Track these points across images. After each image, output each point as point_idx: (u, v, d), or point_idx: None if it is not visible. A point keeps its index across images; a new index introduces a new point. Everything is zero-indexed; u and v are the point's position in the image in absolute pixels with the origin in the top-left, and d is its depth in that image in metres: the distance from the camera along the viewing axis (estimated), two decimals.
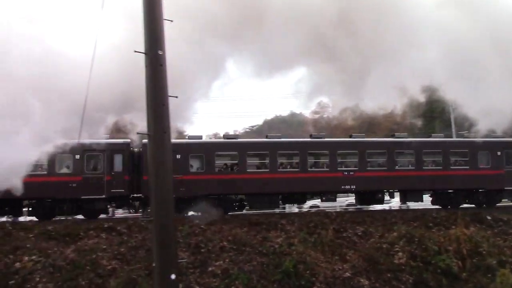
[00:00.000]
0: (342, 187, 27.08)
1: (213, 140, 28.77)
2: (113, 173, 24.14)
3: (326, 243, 21.21)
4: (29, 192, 21.17)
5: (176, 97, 9.06)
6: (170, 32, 9.06)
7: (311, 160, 27.45)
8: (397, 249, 20.99)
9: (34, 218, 24.16)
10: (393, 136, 30.48)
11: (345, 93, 25.86)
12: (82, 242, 19.68)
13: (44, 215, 23.61)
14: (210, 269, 19.11)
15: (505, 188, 29.02)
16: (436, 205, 29.37)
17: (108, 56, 15.98)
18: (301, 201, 29.72)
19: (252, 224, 22.33)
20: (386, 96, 25.93)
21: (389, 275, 19.96)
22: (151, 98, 8.63)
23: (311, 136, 29.28)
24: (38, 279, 17.86)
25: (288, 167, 26.97)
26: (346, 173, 26.98)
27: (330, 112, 62.76)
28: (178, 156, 24.24)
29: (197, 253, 19.71)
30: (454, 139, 31.60)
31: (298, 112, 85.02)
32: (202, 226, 21.33)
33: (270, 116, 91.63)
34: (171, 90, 8.75)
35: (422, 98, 30.64)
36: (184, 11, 18.48)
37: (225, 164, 26.51)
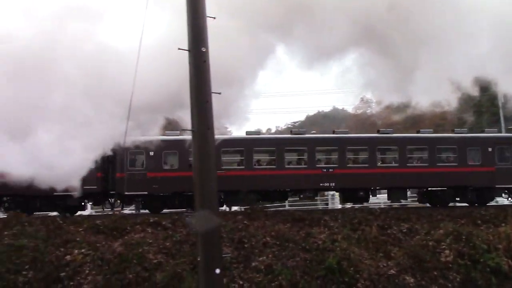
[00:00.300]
0: (321, 184, 26.49)
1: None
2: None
3: (370, 239, 20.95)
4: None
5: (219, 93, 9.16)
6: (216, 28, 9.17)
7: (288, 157, 27.11)
8: (443, 246, 20.49)
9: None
10: (378, 132, 29.52)
11: (394, 87, 24.93)
12: (129, 236, 20.14)
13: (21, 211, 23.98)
14: (253, 264, 19.21)
15: (496, 186, 27.98)
16: (424, 203, 28.65)
17: (158, 53, 16.19)
18: (279, 198, 29.19)
19: (295, 220, 22.32)
20: (438, 90, 24.67)
21: (435, 273, 19.54)
22: (194, 95, 8.78)
23: (291, 133, 29.05)
24: (87, 271, 18.42)
25: (265, 164, 26.84)
26: (325, 170, 26.43)
27: (373, 108, 61.92)
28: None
29: (240, 248, 19.84)
30: (441, 134, 30.09)
31: (340, 107, 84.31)
32: (245, 222, 21.46)
33: (312, 111, 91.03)
34: (216, 87, 8.85)
35: (475, 92, 29.33)
36: (228, 7, 18.49)
37: None
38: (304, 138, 27.25)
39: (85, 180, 24.07)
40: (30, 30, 18.63)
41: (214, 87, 8.77)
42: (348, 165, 26.91)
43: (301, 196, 28.07)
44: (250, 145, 26.50)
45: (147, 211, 26.25)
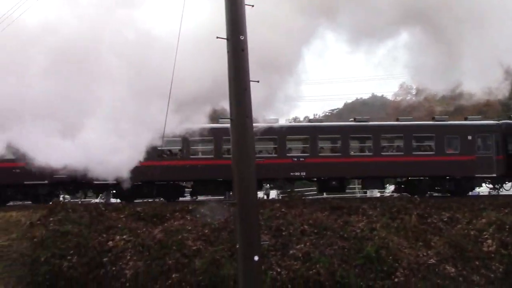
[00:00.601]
0: (291, 173, 25.75)
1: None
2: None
3: (410, 228, 20.68)
4: None
5: (258, 81, 9.16)
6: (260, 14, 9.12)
7: (258, 146, 26.14)
8: (486, 236, 20.05)
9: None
10: (354, 120, 28.57)
11: (440, 73, 23.81)
12: (169, 223, 20.49)
13: None
14: (291, 252, 19.27)
15: (476, 175, 26.77)
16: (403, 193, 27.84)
17: (203, 42, 16.12)
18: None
19: (333, 208, 22.21)
20: (488, 76, 23.33)
21: (477, 263, 19.16)
22: (233, 83, 8.80)
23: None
24: (129, 257, 18.89)
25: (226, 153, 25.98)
26: (296, 159, 25.88)
27: (413, 94, 60.72)
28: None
29: (278, 236, 19.92)
30: (418, 122, 28.68)
31: (379, 94, 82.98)
32: (283, 210, 21.51)
33: (350, 99, 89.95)
34: (263, 74, 8.85)
35: None
36: None
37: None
38: (275, 128, 25.70)
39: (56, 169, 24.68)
40: (74, 20, 18.90)
41: (261, 74, 8.78)
42: (320, 154, 26.31)
43: (272, 185, 28.01)
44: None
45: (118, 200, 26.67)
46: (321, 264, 18.65)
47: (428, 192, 27.20)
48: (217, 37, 8.85)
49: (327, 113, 77.34)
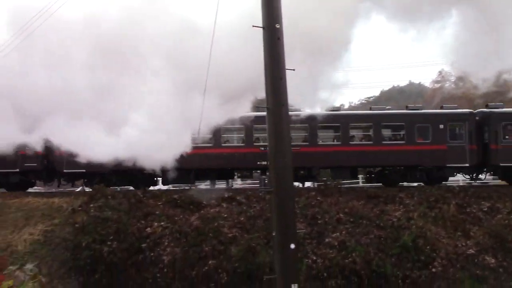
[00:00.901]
0: (258, 163, 25.07)
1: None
2: (27, 148, 24.39)
3: (448, 218, 20.36)
4: None
5: (293, 69, 9.15)
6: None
7: (225, 135, 26.13)
8: None
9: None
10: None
11: (485, 60, 22.69)
12: (205, 211, 20.77)
13: None
14: (326, 240, 19.27)
15: (448, 165, 25.81)
16: (373, 183, 27.36)
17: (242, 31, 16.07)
18: (215, 177, 28.00)
19: (369, 197, 22.06)
20: None
21: None
22: (269, 72, 8.82)
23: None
24: (166, 243, 19.27)
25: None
26: (263, 148, 24.97)
27: (452, 81, 59.22)
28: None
29: (313, 224, 19.95)
30: (388, 111, 27.60)
31: (417, 82, 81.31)
32: (318, 198, 21.49)
33: (387, 86, 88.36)
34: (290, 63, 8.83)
35: None
36: None
37: None
38: (242, 117, 24.15)
39: (26, 159, 25.15)
40: (116, 11, 19.05)
41: (307, 60, 8.71)
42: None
43: (239, 175, 27.81)
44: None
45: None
46: (357, 253, 18.59)
47: (400, 183, 26.72)
48: (253, 26, 8.86)
49: (363, 101, 76.29)
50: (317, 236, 19.49)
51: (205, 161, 25.18)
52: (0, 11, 20.01)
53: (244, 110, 21.75)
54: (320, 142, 26.31)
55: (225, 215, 20.36)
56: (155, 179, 26.73)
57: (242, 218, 20.25)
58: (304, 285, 17.59)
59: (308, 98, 21.68)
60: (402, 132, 26.37)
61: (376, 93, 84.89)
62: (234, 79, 16.64)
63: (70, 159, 22.74)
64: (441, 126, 26.01)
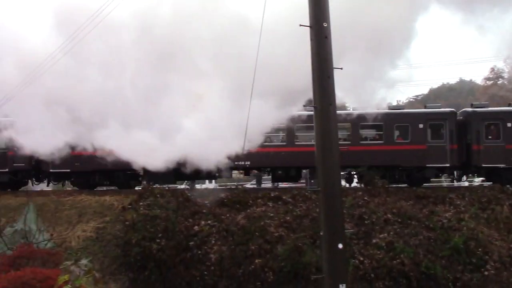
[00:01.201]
0: (236, 163, 24.41)
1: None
2: (15, 149, 24.81)
3: (501, 219, 19.74)
4: None
5: (341, 68, 9.09)
6: None
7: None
8: None
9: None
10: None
11: None
12: (251, 210, 20.88)
13: None
14: (374, 241, 19.02)
15: (427, 165, 24.68)
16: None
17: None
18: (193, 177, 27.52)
19: (418, 197, 21.64)
20: None
21: None
22: (316, 71, 8.78)
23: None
24: (213, 241, 19.52)
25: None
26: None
27: (506, 78, 57.13)
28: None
29: (360, 224, 19.72)
30: (365, 111, 25.89)
31: (467, 79, 78.84)
32: (365, 198, 21.24)
33: (436, 84, 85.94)
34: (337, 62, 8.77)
35: None
36: None
37: None
38: None
39: (14, 159, 25.88)
40: (168, 14, 19.34)
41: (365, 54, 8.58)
42: (264, 144, 24.54)
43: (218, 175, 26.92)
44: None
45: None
46: (406, 254, 18.26)
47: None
48: (300, 25, 8.84)
49: (411, 99, 74.63)
50: (364, 236, 19.27)
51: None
52: (50, 15, 20.75)
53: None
54: (298, 143, 26.12)
55: (271, 214, 20.40)
56: (139, 179, 27.41)
57: (288, 218, 20.24)
58: (351, 285, 17.42)
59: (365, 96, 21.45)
60: (380, 132, 25.81)
61: (425, 91, 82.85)
62: (291, 78, 16.62)
63: (56, 159, 24.04)
64: (421, 126, 25.31)
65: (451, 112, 26.14)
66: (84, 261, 13.92)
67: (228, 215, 20.65)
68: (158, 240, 19.20)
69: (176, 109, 19.61)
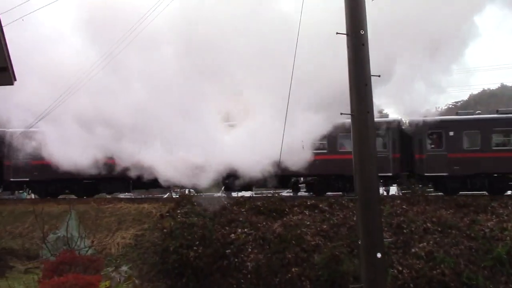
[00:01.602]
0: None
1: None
2: None
3: None
4: None
5: (379, 76, 9.02)
6: None
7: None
8: None
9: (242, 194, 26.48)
10: None
11: None
12: (288, 218, 20.83)
13: None
14: (413, 250, 18.67)
15: None
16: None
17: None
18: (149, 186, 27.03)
19: (458, 206, 21.13)
20: None
21: None
22: (353, 79, 8.75)
23: None
24: (250, 249, 19.55)
25: None
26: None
27: None
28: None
29: (399, 233, 19.40)
30: None
31: (510, 84, 76.48)
32: (404, 206, 20.89)
33: (477, 90, 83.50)
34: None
35: None
36: None
37: None
38: None
39: None
40: (204, 25, 19.54)
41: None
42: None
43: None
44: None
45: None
46: (446, 264, 17.86)
47: (327, 192, 25.62)
48: (337, 33, 8.84)
49: (450, 106, 72.90)
50: (403, 245, 18.94)
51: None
52: (85, 27, 21.27)
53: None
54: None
55: (308, 223, 20.31)
56: (97, 188, 27.65)
57: (325, 226, 20.12)
58: None
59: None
60: (324, 142, 25.17)
61: (465, 97, 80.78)
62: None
63: (16, 168, 25.16)
64: None
65: (394, 121, 25.66)
66: (124, 268, 14.23)
67: (264, 223, 20.65)
68: (195, 248, 19.37)
69: (218, 122, 19.81)
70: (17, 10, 15.88)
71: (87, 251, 18.64)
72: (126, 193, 29.96)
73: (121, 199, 25.82)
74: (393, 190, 27.64)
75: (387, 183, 26.11)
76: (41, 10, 16.83)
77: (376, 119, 25.82)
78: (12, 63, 16.82)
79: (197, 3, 19.88)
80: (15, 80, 17.32)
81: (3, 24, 15.93)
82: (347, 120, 9.12)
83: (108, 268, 12.32)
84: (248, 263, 19.16)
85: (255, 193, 28.53)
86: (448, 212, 20.49)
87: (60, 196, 28.15)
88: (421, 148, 24.57)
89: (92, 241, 19.73)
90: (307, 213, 21.22)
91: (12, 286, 14.67)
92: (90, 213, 22.87)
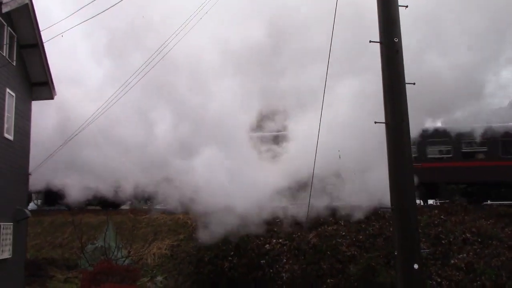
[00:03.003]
0: None
1: None
2: None
3: None
4: None
5: (414, 83, 8.88)
6: None
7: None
8: None
9: None
10: None
11: None
12: (322, 229, 20.66)
13: None
14: (452, 261, 18.22)
15: None
16: None
17: None
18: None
19: (499, 216, 20.50)
20: None
21: None
22: (387, 87, 8.65)
23: None
24: (285, 260, 19.48)
25: None
26: None
27: None
28: None
29: (437, 244, 18.97)
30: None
31: None
32: (442, 217, 20.43)
33: None
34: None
35: None
36: None
37: None
38: None
39: None
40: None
41: None
42: None
43: None
44: None
45: None
46: (487, 276, 17.35)
47: None
48: (370, 41, 8.77)
49: None
50: (442, 257, 18.50)
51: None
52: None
53: None
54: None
55: (343, 233, 20.09)
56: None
57: (361, 237, 19.85)
58: None
59: None
60: None
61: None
62: None
63: None
64: None
65: None
66: (159, 278, 14.40)
67: (299, 233, 20.53)
68: (230, 258, 19.42)
69: None
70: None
71: (124, 261, 18.95)
72: None
73: (157, 210, 26.09)
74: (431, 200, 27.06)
75: None
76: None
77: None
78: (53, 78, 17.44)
79: None
80: (55, 94, 17.92)
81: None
82: None
83: (144, 278, 12.46)
84: (283, 274, 19.10)
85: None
86: (488, 223, 19.91)
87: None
88: None
89: (129, 251, 20.05)
90: (342, 223, 20.97)
91: None
92: (127, 223, 23.24)
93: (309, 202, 10.00)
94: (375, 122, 8.99)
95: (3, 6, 13.74)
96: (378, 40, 8.77)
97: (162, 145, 20.25)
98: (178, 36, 15.11)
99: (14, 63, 15.70)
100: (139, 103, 20.48)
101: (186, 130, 20.17)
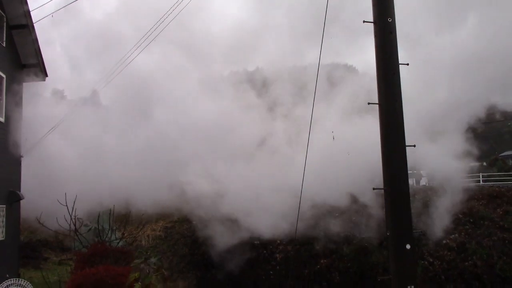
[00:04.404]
0: None
1: None
2: None
3: None
4: None
5: (407, 64, 8.84)
6: None
7: None
8: None
9: None
10: None
11: None
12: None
13: None
14: (444, 242, 18.36)
15: None
16: None
17: None
18: None
19: (491, 197, 20.63)
20: None
21: None
22: (381, 67, 8.59)
23: None
24: (278, 241, 19.50)
25: None
26: None
27: None
28: None
29: (429, 224, 19.08)
30: None
31: None
32: (434, 197, 20.53)
33: None
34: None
35: None
36: None
37: None
38: None
39: None
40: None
41: None
42: None
43: None
44: None
45: None
46: (478, 256, 17.52)
47: None
48: (364, 21, 8.69)
49: None
50: (434, 237, 18.64)
51: None
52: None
53: None
54: None
55: (337, 214, 20.17)
56: None
57: (354, 218, 19.93)
58: (421, 287, 16.91)
59: None
60: None
61: None
62: None
63: None
64: None
65: None
66: (153, 260, 14.40)
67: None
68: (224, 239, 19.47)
69: None
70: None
71: (118, 243, 18.95)
72: None
73: None
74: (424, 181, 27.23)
75: None
76: None
77: None
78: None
79: None
80: (47, 76, 17.76)
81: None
82: None
83: (137, 260, 12.49)
84: (277, 255, 19.19)
85: None
86: (480, 203, 20.05)
87: None
88: None
89: (123, 233, 20.04)
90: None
91: (46, 277, 15.04)
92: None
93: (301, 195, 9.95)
94: (368, 103, 8.96)
95: None
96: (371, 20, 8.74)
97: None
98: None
99: (4, 44, 15.50)
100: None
101: None
